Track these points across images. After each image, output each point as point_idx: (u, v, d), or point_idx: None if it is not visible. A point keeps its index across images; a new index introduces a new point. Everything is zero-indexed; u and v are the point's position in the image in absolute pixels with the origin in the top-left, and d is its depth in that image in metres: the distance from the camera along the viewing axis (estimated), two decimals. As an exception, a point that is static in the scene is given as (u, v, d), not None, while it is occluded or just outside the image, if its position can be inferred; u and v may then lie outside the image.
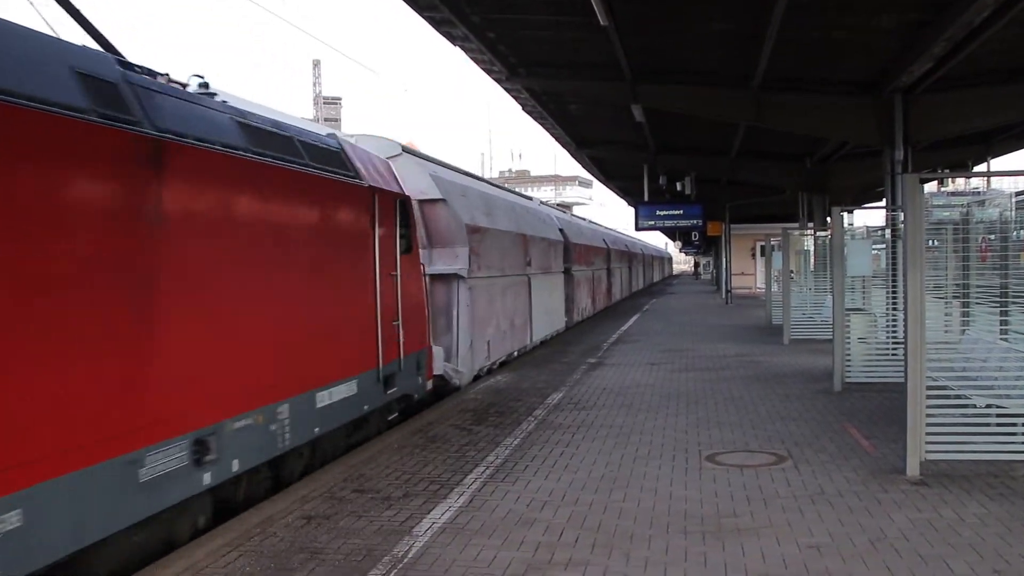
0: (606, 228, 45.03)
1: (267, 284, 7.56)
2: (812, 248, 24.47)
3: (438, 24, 13.29)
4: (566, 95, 19.37)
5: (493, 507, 7.28)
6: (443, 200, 13.91)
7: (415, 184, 13.32)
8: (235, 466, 6.97)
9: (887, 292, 14.18)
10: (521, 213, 20.77)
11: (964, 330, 11.63)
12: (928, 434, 7.98)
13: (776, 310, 23.55)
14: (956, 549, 6.00)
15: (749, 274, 48.57)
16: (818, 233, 23.41)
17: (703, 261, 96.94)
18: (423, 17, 12.82)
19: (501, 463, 8.82)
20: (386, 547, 6.31)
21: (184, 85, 7.32)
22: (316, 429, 8.42)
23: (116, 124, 5.73)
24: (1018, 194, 10.49)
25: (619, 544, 6.27)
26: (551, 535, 6.50)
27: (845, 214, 15.48)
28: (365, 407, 9.61)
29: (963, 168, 24.23)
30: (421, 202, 13.52)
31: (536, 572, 5.76)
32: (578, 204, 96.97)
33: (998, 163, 23.86)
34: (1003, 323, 10.40)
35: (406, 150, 14.13)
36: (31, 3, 6.46)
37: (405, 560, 6.03)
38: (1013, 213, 10.52)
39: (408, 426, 10.94)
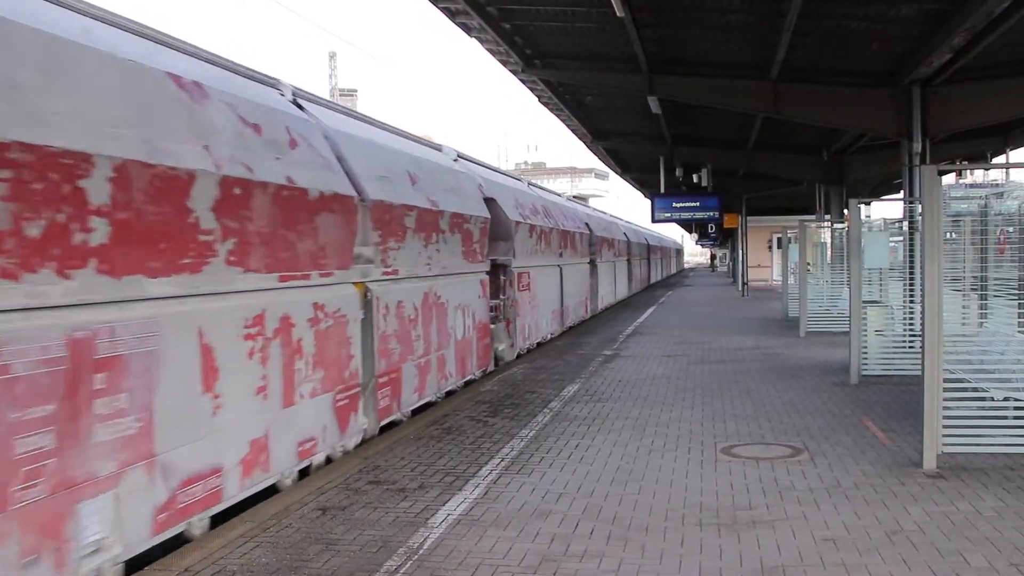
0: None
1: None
2: (829, 240, 24.36)
3: (454, 15, 13.30)
4: (582, 87, 19.34)
5: (508, 499, 7.29)
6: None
7: None
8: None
9: (904, 284, 14.10)
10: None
11: (982, 323, 11.56)
12: (945, 427, 7.94)
13: (792, 303, 23.44)
14: (973, 542, 5.97)
15: (765, 266, 48.36)
16: (835, 225, 23.31)
17: (719, 253, 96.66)
18: (438, 8, 12.82)
19: (516, 455, 8.83)
20: (401, 538, 6.33)
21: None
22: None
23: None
24: None
25: (634, 536, 6.27)
26: (566, 527, 6.51)
27: (862, 206, 15.37)
28: None
29: (982, 160, 24.06)
30: None
31: (551, 564, 5.77)
32: (594, 196, 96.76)
33: (1017, 155, 23.70)
34: (1021, 316, 10.31)
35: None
36: None
37: (420, 551, 6.05)
38: (1032, 205, 10.44)
39: (424, 418, 10.97)
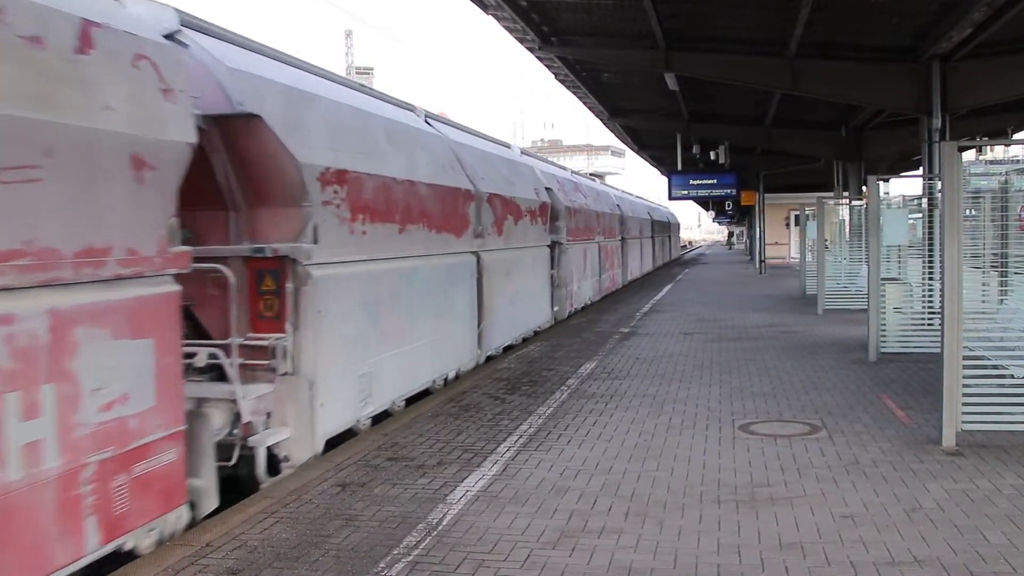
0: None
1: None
2: (847, 217, 24.21)
3: (470, -8, 13.25)
4: (599, 64, 19.26)
5: (527, 476, 7.33)
6: None
7: None
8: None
9: (923, 261, 14.03)
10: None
11: (1002, 300, 11.49)
12: (964, 404, 7.91)
13: (810, 280, 23.38)
14: (992, 520, 5.97)
15: (783, 244, 48.20)
16: (853, 202, 23.17)
17: (736, 231, 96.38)
18: (455, -15, 12.78)
19: (534, 432, 8.87)
20: (420, 514, 6.38)
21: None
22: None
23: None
24: None
25: (652, 513, 6.29)
26: (584, 503, 6.54)
27: (881, 183, 15.27)
28: None
29: (1002, 136, 23.85)
30: None
31: (570, 540, 5.81)
32: (610, 174, 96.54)
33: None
34: (1042, 293, 10.25)
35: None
36: None
37: (439, 527, 6.09)
38: (1054, 181, 10.34)
39: (442, 395, 11.01)
